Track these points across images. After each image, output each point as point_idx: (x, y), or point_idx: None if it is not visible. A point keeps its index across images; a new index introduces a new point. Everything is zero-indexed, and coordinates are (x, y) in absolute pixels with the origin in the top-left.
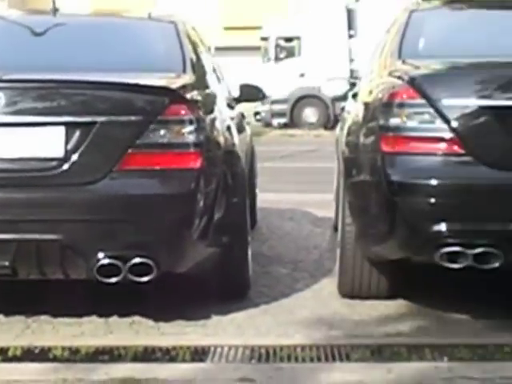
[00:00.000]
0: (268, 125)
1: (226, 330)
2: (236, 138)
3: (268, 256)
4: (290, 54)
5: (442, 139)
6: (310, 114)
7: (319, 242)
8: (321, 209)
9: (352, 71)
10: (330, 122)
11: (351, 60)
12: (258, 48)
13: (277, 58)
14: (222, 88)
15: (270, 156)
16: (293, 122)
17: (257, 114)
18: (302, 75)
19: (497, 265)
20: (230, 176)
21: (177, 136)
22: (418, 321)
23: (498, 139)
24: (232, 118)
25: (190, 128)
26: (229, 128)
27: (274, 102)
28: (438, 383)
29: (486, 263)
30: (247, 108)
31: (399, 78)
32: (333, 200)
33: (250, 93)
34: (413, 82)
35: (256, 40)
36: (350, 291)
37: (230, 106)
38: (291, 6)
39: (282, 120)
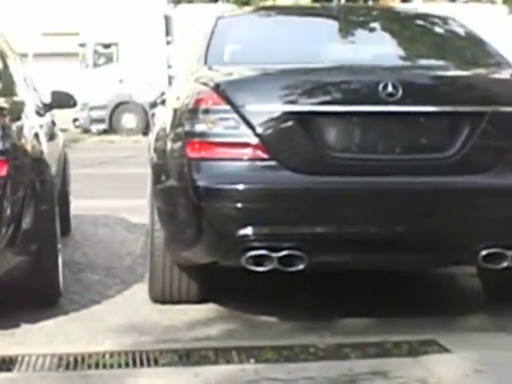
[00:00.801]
0: (87, 131)
1: (34, 339)
2: (45, 146)
3: (80, 263)
4: (109, 60)
5: (246, 144)
6: (128, 120)
7: (133, 248)
8: (136, 215)
9: (170, 77)
10: (148, 127)
11: (169, 66)
12: (76, 54)
13: (95, 64)
14: (32, 95)
15: (87, 162)
16: (112, 128)
17: (76, 120)
18: (121, 81)
19: (301, 267)
20: (38, 183)
21: None
22: (226, 324)
23: (301, 144)
24: (41, 126)
25: None
26: (37, 135)
27: (92, 108)
28: None
29: (290, 266)
30: (66, 114)
31: (205, 84)
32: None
33: (62, 99)
34: (218, 89)
35: (75, 46)
36: (160, 296)
37: (40, 114)
38: (109, 12)
39: (101, 126)
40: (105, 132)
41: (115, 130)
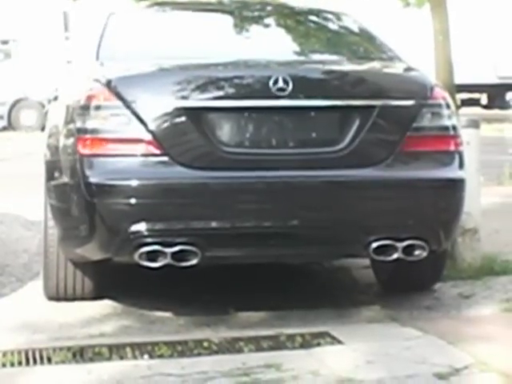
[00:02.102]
0: None
1: None
2: None
3: None
4: (7, 56)
5: (139, 140)
6: (27, 117)
7: (29, 245)
8: (33, 212)
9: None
10: None
11: (68, 62)
12: None
13: None
14: None
15: None
16: (11, 125)
17: None
18: (20, 78)
19: (194, 262)
20: None
21: None
22: (121, 321)
23: (193, 139)
24: None
25: None
26: None
27: None
28: (137, 381)
29: (184, 261)
30: None
31: (96, 80)
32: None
33: None
34: (109, 84)
35: None
36: (55, 294)
37: None
38: (7, 8)
39: (1, 123)
40: (4, 129)
41: (14, 127)
